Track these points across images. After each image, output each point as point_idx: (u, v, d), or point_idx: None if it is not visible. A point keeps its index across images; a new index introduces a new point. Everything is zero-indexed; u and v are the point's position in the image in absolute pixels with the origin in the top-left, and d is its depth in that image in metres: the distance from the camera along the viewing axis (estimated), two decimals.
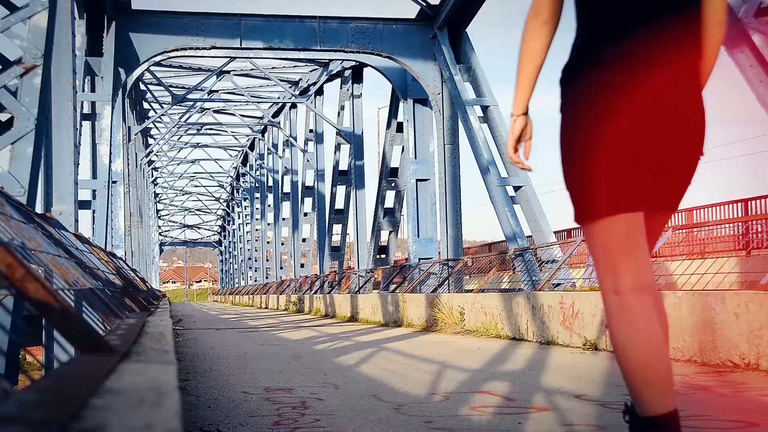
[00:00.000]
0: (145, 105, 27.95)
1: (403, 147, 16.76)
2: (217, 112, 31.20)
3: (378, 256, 18.34)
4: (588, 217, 1.95)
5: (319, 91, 23.27)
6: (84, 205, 11.49)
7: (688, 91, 1.97)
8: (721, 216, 19.84)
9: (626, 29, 1.95)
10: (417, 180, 15.78)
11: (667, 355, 1.89)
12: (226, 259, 66.13)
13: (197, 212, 68.23)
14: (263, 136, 34.05)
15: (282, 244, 32.85)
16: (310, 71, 23.46)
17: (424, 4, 14.30)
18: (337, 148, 22.24)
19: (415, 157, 15.86)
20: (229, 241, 60.60)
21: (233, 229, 55.76)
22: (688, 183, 2.01)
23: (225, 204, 58.56)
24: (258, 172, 37.57)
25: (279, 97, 26.12)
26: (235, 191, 50.16)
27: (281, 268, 33.05)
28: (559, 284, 9.31)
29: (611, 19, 1.97)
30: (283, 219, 31.53)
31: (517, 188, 12.77)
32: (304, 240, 27.89)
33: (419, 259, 15.42)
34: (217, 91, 26.15)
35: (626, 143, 1.89)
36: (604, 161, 1.89)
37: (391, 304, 12.35)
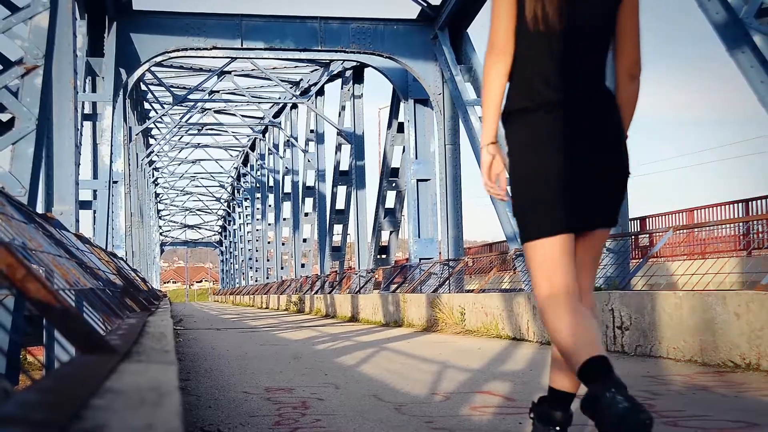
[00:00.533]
0: (146, 105, 27.96)
1: (403, 147, 16.77)
2: (218, 112, 31.22)
3: (379, 256, 18.34)
4: (533, 237, 2.29)
5: (320, 92, 23.28)
6: (85, 205, 11.49)
7: (610, 131, 2.27)
8: (722, 216, 19.84)
9: (555, 78, 2.23)
10: (418, 180, 15.78)
11: (594, 330, 2.17)
12: (226, 259, 66.15)
13: (198, 212, 68.27)
14: (264, 136, 34.07)
15: (283, 244, 32.85)
16: (311, 71, 23.47)
17: (425, 5, 14.30)
18: (338, 148, 22.25)
19: (416, 158, 15.86)
20: (230, 241, 60.62)
21: (234, 229, 55.77)
22: (618, 203, 2.33)
23: (226, 204, 58.58)
24: (259, 173, 37.58)
25: (280, 98, 26.14)
26: (235, 191, 50.17)
27: (282, 268, 33.06)
28: None
29: (541, 68, 2.24)
30: (284, 219, 31.54)
31: None
32: (304, 240, 27.90)
33: (420, 259, 15.42)
34: (218, 91, 26.17)
35: (562, 178, 2.22)
36: (544, 193, 2.24)
37: (392, 304, 12.35)
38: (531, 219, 2.30)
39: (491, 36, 2.27)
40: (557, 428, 2.30)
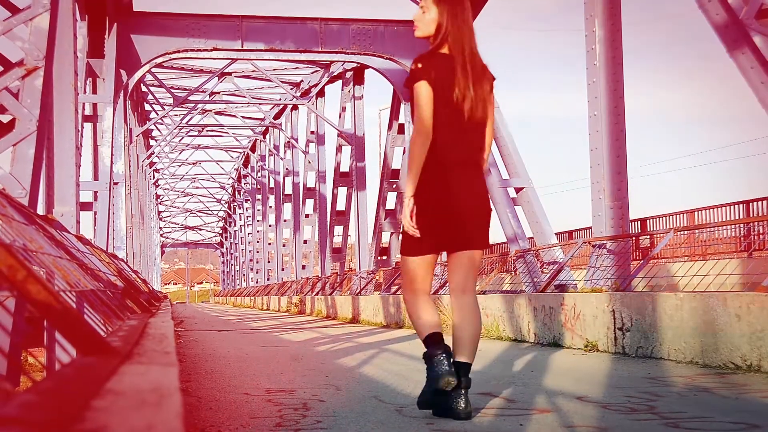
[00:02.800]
0: (147, 107, 27.96)
1: (404, 148, 16.76)
2: (218, 113, 31.21)
3: (379, 258, 18.33)
4: (406, 254, 3.48)
5: (321, 93, 23.28)
6: (86, 206, 11.49)
7: (478, 182, 3.44)
8: (723, 217, 19.83)
9: (444, 143, 3.34)
10: None
11: (437, 319, 3.47)
12: (227, 260, 66.15)
13: (199, 214, 68.27)
14: (264, 137, 34.06)
15: (283, 245, 32.84)
16: (312, 73, 23.47)
17: None
18: (339, 149, 22.24)
19: None
20: (231, 243, 60.62)
21: (234, 231, 55.77)
22: (481, 231, 3.47)
23: (226, 205, 58.58)
24: (259, 174, 37.58)
25: (280, 99, 26.14)
26: (236, 193, 50.17)
27: (282, 269, 33.04)
28: (560, 286, 9.30)
29: (439, 139, 3.33)
30: (285, 220, 31.53)
31: (518, 189, 12.77)
32: (305, 241, 27.88)
33: None
34: (218, 92, 26.16)
35: (442, 215, 3.35)
36: (428, 225, 3.35)
37: (393, 305, 12.34)
38: (408, 243, 3.44)
39: (418, 123, 3.33)
40: (443, 355, 3.32)
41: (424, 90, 3.31)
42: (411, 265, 3.46)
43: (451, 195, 3.32)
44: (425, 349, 3.37)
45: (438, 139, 3.33)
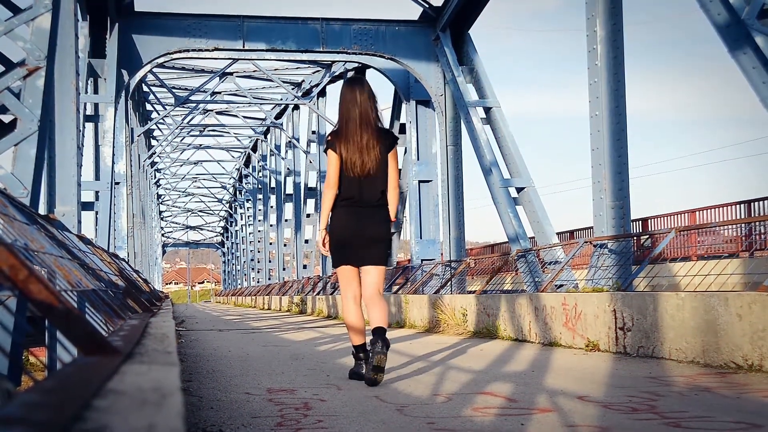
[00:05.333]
0: (148, 106, 27.98)
1: (405, 148, 16.76)
2: (219, 113, 31.23)
3: None
4: (335, 266, 4.84)
5: (322, 93, 23.28)
6: (87, 206, 11.50)
7: (372, 217, 4.73)
8: (725, 217, 19.82)
9: (349, 190, 4.69)
10: (420, 181, 15.78)
11: (362, 324, 4.74)
12: (228, 260, 66.16)
13: (200, 213, 68.30)
14: (266, 137, 34.07)
15: (284, 245, 32.85)
16: (313, 73, 23.47)
17: (427, 6, 14.31)
18: None
19: (418, 159, 15.86)
20: (232, 243, 60.64)
21: (236, 231, 55.79)
22: (382, 253, 4.76)
23: (228, 205, 58.59)
24: (260, 174, 37.58)
25: (281, 99, 26.14)
26: (237, 192, 50.17)
27: (284, 269, 33.05)
28: (561, 285, 9.30)
29: (344, 184, 4.69)
30: (286, 220, 31.54)
31: (519, 189, 12.77)
32: (306, 241, 27.89)
33: (422, 260, 15.41)
34: (219, 92, 26.18)
35: (346, 238, 4.71)
36: (337, 246, 4.75)
37: (394, 305, 12.34)
38: (335, 257, 4.78)
39: (326, 179, 4.72)
40: (362, 361, 4.66)
41: (329, 157, 4.72)
42: (338, 274, 4.86)
43: (347, 227, 4.67)
44: (353, 349, 4.77)
45: (344, 188, 4.69)
